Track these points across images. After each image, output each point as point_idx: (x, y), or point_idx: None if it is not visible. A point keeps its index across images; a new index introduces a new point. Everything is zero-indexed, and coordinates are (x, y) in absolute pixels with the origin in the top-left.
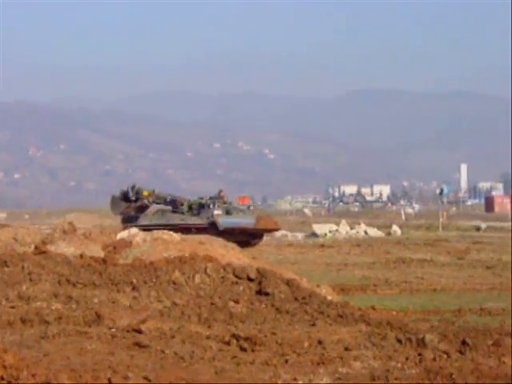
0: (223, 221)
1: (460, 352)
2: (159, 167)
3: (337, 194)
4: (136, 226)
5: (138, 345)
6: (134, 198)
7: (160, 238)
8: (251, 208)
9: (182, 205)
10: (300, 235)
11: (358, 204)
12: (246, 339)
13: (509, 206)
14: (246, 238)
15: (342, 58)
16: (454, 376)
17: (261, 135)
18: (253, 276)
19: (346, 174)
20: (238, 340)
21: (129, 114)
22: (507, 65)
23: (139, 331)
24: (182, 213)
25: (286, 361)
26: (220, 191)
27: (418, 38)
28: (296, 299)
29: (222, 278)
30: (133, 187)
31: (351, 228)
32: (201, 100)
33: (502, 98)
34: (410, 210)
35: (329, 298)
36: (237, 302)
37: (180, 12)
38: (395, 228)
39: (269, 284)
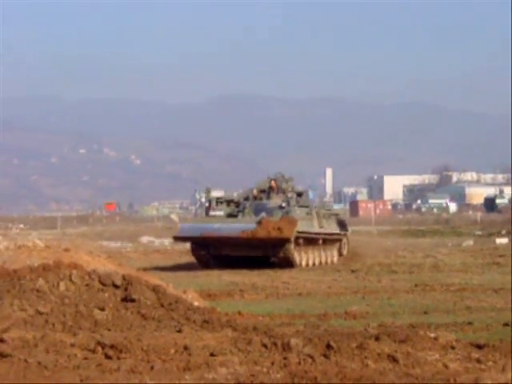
0: (184, 226)
1: (324, 355)
2: (23, 174)
3: (204, 200)
4: None
5: (0, 354)
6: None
7: (24, 246)
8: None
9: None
10: (167, 241)
11: None
12: (112, 347)
13: (372, 211)
14: (237, 250)
15: (210, 64)
16: (318, 379)
17: (127, 141)
18: (118, 283)
19: (214, 179)
20: (103, 347)
21: None
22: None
23: (1, 340)
24: None
25: (152, 367)
26: (270, 180)
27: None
28: (162, 305)
29: (87, 285)
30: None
31: None
32: (65, 105)
33: (360, 101)
34: None
35: (195, 303)
36: (102, 309)
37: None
38: None
39: (135, 290)
